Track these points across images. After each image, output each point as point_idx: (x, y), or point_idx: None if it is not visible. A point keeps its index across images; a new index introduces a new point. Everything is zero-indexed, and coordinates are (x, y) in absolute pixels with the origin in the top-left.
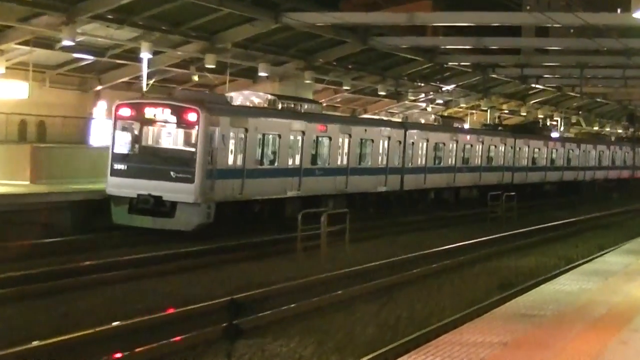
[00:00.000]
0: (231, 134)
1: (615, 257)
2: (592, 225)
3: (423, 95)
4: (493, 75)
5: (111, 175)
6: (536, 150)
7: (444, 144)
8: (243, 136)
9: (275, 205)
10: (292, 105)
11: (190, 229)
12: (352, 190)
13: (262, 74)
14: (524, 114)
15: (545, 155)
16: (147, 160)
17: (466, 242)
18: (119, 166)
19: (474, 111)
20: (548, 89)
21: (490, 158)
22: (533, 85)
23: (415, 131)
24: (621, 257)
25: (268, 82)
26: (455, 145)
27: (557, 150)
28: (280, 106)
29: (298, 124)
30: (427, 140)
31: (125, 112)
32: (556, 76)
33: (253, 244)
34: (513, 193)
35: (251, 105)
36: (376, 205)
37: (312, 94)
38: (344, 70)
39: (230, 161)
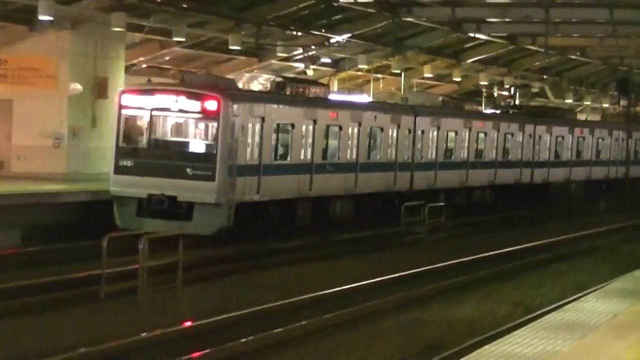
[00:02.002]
0: (249, 125)
1: (597, 303)
2: (569, 252)
3: (301, 50)
4: (408, 19)
5: (115, 172)
6: (559, 139)
7: (456, 132)
8: (259, 127)
9: (287, 208)
10: (301, 90)
11: (210, 233)
12: (361, 190)
13: (43, 17)
14: (457, 79)
15: (570, 146)
16: (158, 155)
17: (371, 281)
18: (125, 162)
19: (380, 76)
20: (495, 40)
21: (507, 150)
22: (471, 35)
23: (426, 118)
24: (607, 301)
25: (52, 31)
26: (468, 135)
27: (584, 139)
28: (288, 91)
29: (312, 112)
30: (439, 129)
31: (132, 100)
32: (507, 20)
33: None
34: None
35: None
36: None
37: (123, 49)
38: (176, 12)
39: (249, 156)
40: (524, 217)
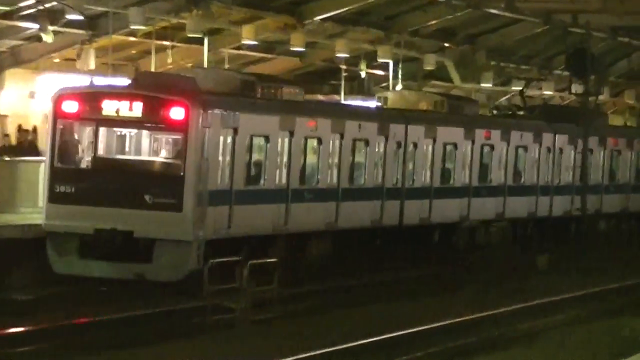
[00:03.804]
0: (221, 139)
1: None
2: (486, 340)
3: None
4: None
5: (50, 201)
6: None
7: (456, 145)
8: (231, 140)
9: (260, 246)
10: (273, 91)
11: (176, 278)
12: (342, 225)
13: None
14: (299, 48)
15: (601, 163)
16: (108, 178)
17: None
18: (63, 188)
19: (169, 43)
20: None
21: (519, 171)
22: None
23: (418, 127)
24: None
25: None
26: (470, 148)
27: (620, 153)
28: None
29: (289, 120)
30: (434, 141)
31: (72, 106)
32: None
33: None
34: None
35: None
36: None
37: None
38: None
39: (219, 179)
40: (422, 278)
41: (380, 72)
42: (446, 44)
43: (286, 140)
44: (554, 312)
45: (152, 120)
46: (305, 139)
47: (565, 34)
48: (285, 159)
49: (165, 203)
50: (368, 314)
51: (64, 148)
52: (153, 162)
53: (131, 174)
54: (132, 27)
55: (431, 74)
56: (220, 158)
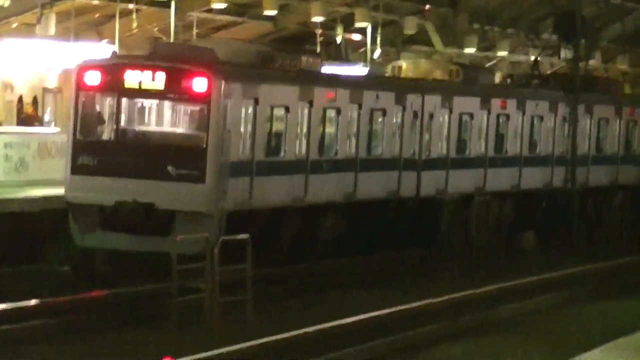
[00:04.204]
0: (242, 110)
1: None
2: (467, 325)
3: None
4: None
5: (72, 173)
6: (603, 124)
7: (472, 116)
8: (252, 111)
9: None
10: (289, 61)
11: (196, 251)
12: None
13: None
14: (271, 12)
15: (617, 133)
16: (129, 150)
17: None
18: (84, 160)
19: (134, 6)
20: None
21: (535, 142)
22: None
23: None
24: None
25: None
26: (486, 119)
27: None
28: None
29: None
30: (451, 112)
31: (94, 77)
32: None
33: None
34: None
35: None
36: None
37: None
38: None
39: (241, 150)
40: (400, 259)
41: (357, 37)
42: (426, 6)
43: (305, 110)
44: (539, 294)
45: (175, 92)
46: (324, 110)
47: None
48: (304, 129)
49: (187, 174)
50: (339, 298)
51: (85, 120)
52: (175, 133)
53: (153, 145)
54: None
55: (411, 38)
56: (242, 129)
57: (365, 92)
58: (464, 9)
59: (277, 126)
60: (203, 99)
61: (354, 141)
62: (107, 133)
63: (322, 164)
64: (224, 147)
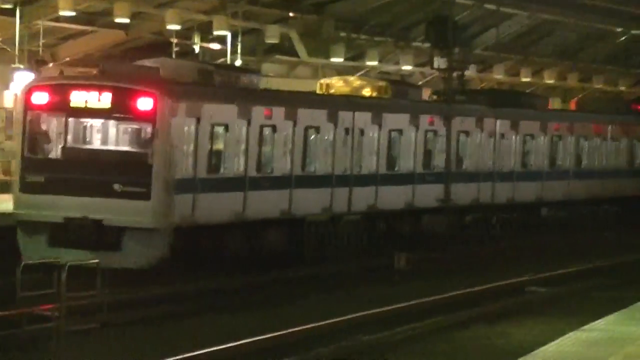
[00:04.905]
0: (185, 128)
1: None
2: None
3: None
4: None
5: (21, 190)
6: (529, 139)
7: (401, 132)
8: (194, 129)
9: (218, 235)
10: (229, 79)
11: (143, 266)
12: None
13: None
14: (123, 20)
15: (543, 150)
16: (78, 168)
17: None
18: (33, 177)
19: None
20: None
21: (461, 157)
22: None
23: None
24: None
25: None
26: (414, 135)
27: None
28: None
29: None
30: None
31: (42, 97)
32: None
33: None
34: None
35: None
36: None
37: None
38: None
39: (185, 168)
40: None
41: (216, 47)
42: (290, 14)
43: (243, 128)
44: (409, 321)
45: (121, 111)
46: (261, 127)
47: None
48: (243, 147)
49: (133, 192)
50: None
51: (34, 139)
52: (121, 151)
53: (100, 163)
54: None
55: (275, 47)
56: (185, 147)
57: (300, 110)
58: (329, 15)
59: (218, 144)
60: (149, 118)
61: (289, 158)
62: (55, 152)
63: (259, 181)
64: (169, 165)
